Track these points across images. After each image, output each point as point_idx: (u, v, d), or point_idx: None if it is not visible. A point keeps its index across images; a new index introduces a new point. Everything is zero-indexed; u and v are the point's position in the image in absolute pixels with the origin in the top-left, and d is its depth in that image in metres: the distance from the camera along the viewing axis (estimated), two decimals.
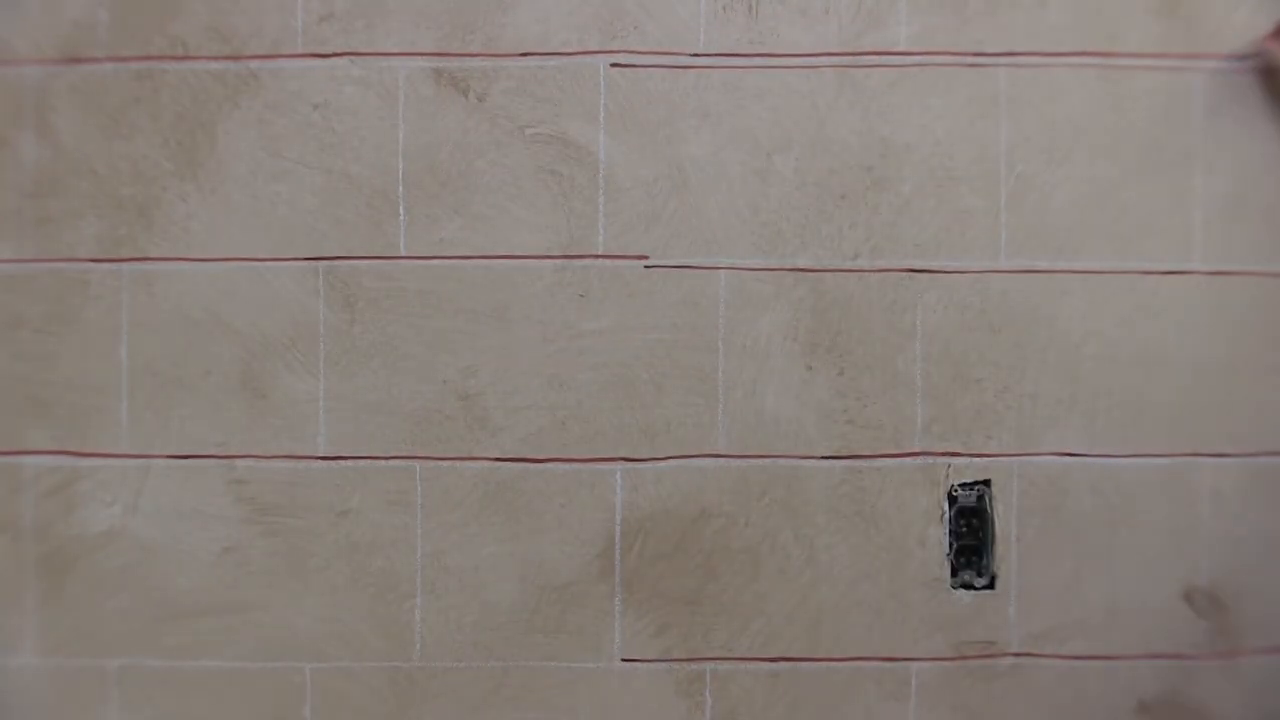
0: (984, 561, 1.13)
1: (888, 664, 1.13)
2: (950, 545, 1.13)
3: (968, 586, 1.13)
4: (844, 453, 1.13)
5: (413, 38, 1.13)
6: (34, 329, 1.14)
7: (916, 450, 1.13)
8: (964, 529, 1.13)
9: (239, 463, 1.13)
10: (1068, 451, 1.13)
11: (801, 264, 1.13)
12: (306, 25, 1.13)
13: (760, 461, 1.13)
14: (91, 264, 1.14)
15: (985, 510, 1.13)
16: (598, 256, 1.13)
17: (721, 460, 1.13)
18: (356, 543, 1.13)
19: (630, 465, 1.13)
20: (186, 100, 1.14)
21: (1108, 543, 1.13)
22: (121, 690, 1.13)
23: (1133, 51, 1.13)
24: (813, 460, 1.13)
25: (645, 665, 1.13)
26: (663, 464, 1.13)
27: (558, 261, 1.13)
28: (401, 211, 1.13)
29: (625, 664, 1.13)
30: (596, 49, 1.13)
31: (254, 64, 1.13)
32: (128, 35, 1.14)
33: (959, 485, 1.13)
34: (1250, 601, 1.12)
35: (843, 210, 1.13)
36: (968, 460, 1.13)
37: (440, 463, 1.13)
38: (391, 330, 1.13)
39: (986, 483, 1.13)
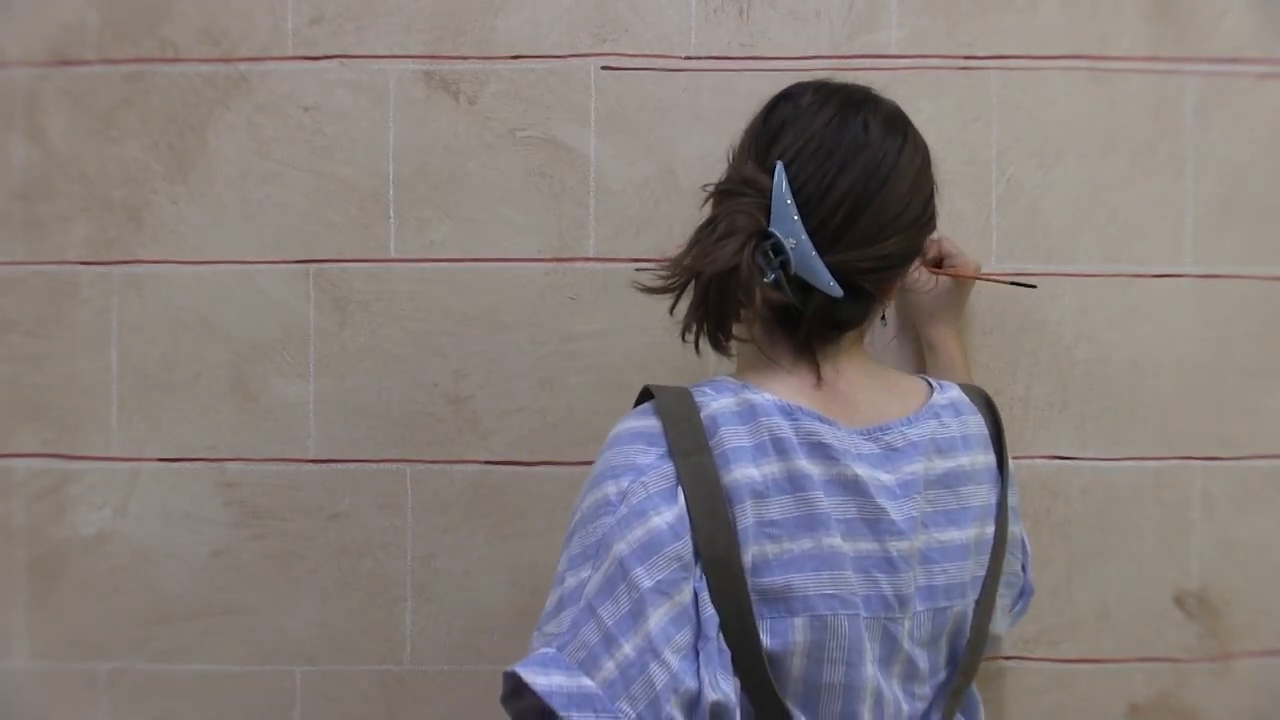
0: None
1: None
2: None
3: None
4: None
5: (403, 40, 1.13)
6: (24, 331, 1.14)
7: None
8: None
9: (229, 466, 1.13)
10: (1059, 454, 1.13)
11: None
12: (297, 28, 1.13)
13: None
14: (81, 266, 1.13)
15: None
16: (589, 259, 1.13)
17: None
18: (347, 546, 1.13)
19: None
20: (177, 102, 1.13)
21: (1099, 546, 1.13)
22: (112, 693, 1.13)
23: (1123, 55, 1.13)
24: None
25: None
26: None
27: (548, 264, 1.13)
28: (392, 214, 1.13)
29: None
30: (587, 51, 1.13)
31: (244, 66, 1.13)
32: (118, 37, 1.13)
33: None
34: (1240, 604, 1.12)
35: None
36: None
37: (431, 466, 1.13)
38: (382, 333, 1.13)
39: None
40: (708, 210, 0.77)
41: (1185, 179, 1.13)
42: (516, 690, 0.65)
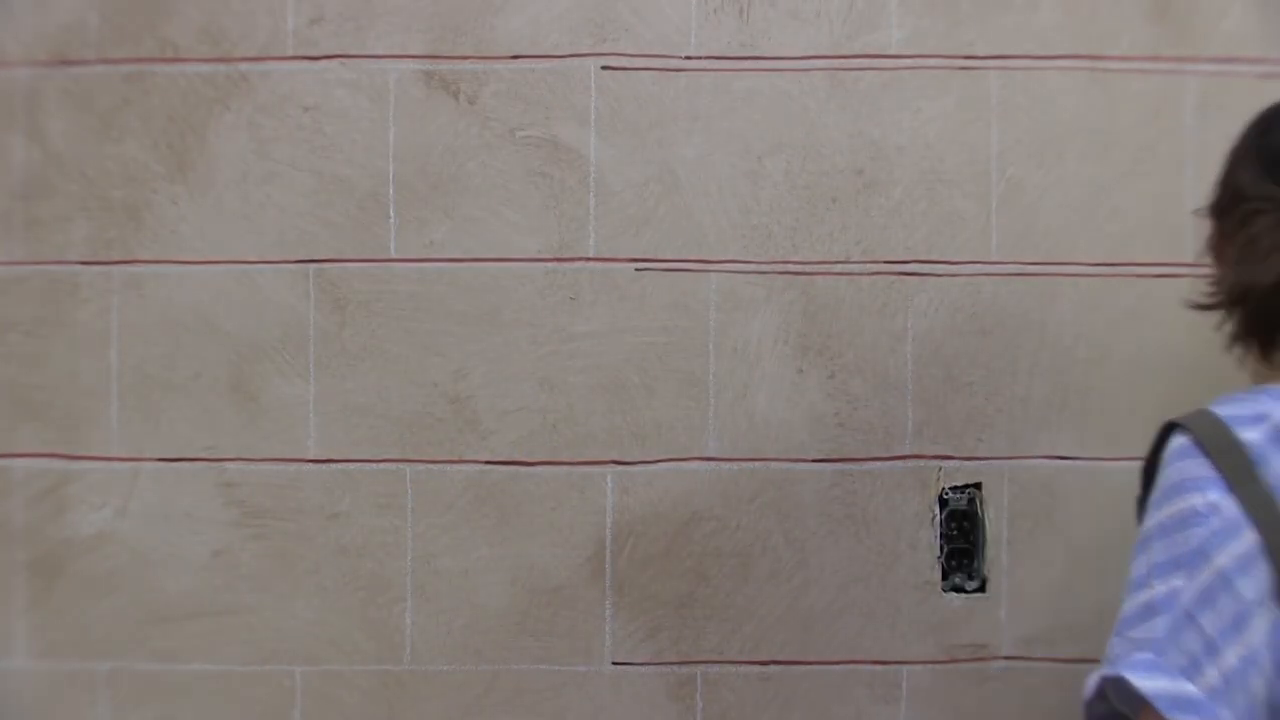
0: (975, 564, 1.13)
1: (879, 667, 1.12)
2: (941, 548, 1.13)
3: (959, 589, 1.13)
4: (835, 456, 1.13)
5: (403, 40, 1.13)
6: (24, 331, 1.14)
7: (907, 453, 1.13)
8: (955, 532, 1.13)
9: (229, 465, 1.13)
10: (1059, 455, 1.13)
11: (792, 267, 1.13)
12: (297, 28, 1.13)
13: (751, 464, 1.13)
14: (81, 266, 1.13)
15: (976, 513, 1.13)
16: (588, 259, 1.13)
17: (712, 463, 1.13)
18: (346, 546, 1.13)
19: (621, 468, 1.13)
20: (177, 102, 1.13)
21: (1098, 546, 1.13)
22: (111, 693, 1.13)
23: (1124, 54, 1.13)
24: (804, 463, 1.13)
25: (636, 668, 1.12)
26: (654, 467, 1.13)
27: (548, 264, 1.13)
28: (392, 214, 1.13)
29: (616, 667, 1.12)
30: (587, 51, 1.13)
31: (244, 66, 1.13)
32: (118, 37, 1.13)
33: (950, 488, 1.13)
34: None
35: (834, 213, 1.13)
36: (959, 463, 1.13)
37: (430, 466, 1.13)
38: (381, 333, 1.13)
39: (977, 486, 1.13)
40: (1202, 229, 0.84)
41: (1185, 179, 1.13)
42: (1111, 692, 0.69)
